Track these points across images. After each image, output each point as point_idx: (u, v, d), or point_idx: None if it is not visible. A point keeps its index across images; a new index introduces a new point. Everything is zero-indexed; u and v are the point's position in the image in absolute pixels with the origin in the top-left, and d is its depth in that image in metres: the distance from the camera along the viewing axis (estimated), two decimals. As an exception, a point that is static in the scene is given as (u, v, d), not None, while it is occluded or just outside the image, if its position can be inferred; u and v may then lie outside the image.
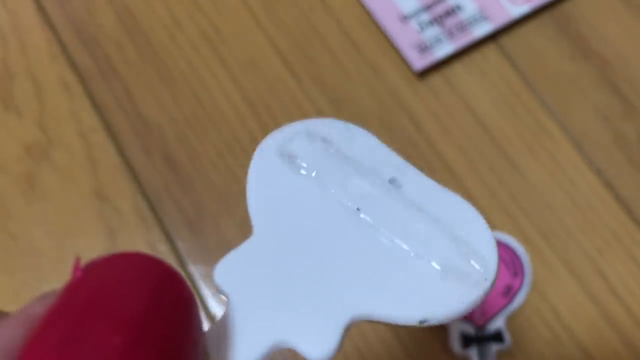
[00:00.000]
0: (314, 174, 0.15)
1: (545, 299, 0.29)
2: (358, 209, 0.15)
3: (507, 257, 0.29)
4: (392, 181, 0.15)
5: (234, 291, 0.14)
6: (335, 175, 0.15)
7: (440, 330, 0.28)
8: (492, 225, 0.30)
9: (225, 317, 0.14)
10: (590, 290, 0.29)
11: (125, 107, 0.32)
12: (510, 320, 0.28)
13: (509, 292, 0.28)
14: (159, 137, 0.31)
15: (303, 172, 0.15)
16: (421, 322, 0.14)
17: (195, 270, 0.29)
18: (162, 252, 0.29)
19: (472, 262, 0.14)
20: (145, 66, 0.33)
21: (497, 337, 0.28)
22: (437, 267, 0.14)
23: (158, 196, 0.30)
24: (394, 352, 0.28)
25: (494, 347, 0.27)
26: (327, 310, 0.14)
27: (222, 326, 0.14)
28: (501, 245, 0.29)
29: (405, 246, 0.15)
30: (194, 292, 0.12)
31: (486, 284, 0.14)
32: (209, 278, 0.29)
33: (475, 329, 0.28)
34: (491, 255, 0.15)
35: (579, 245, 0.29)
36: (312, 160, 0.15)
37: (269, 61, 0.33)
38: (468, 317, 0.28)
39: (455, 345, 0.28)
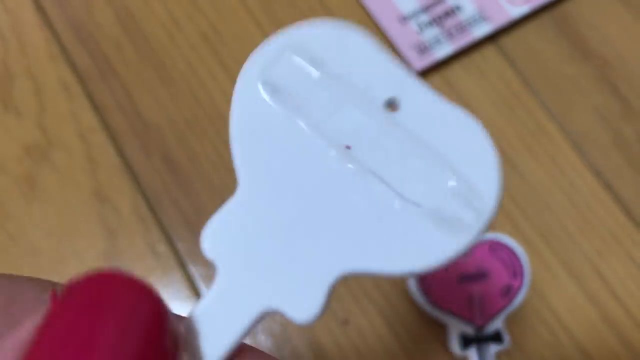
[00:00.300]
0: (300, 108, 0.14)
1: (544, 299, 0.29)
2: (348, 147, 0.14)
3: (507, 258, 0.29)
4: (389, 102, 0.14)
5: (222, 261, 0.13)
6: (324, 106, 0.14)
7: (439, 330, 0.28)
8: (491, 227, 0.30)
9: (211, 292, 0.13)
10: (590, 291, 0.29)
11: (125, 108, 0.32)
12: (509, 320, 0.28)
13: (508, 293, 0.28)
14: (158, 138, 0.31)
15: (288, 106, 0.14)
16: (409, 274, 0.13)
17: (195, 271, 0.29)
18: (162, 253, 0.29)
19: (469, 202, 0.13)
20: (144, 66, 0.33)
21: (496, 337, 0.28)
22: (429, 212, 0.13)
23: (157, 196, 0.30)
24: (392, 352, 0.28)
25: (493, 348, 0.28)
26: (311, 270, 0.13)
27: (208, 303, 0.13)
28: (500, 246, 0.29)
29: (396, 190, 0.13)
30: (163, 306, 0.12)
31: (479, 228, 0.13)
32: (209, 278, 0.29)
33: (474, 329, 0.28)
34: (490, 192, 0.13)
35: (578, 246, 0.29)
36: (298, 90, 0.14)
37: (268, 62, 0.33)
38: (467, 318, 0.28)
39: (454, 345, 0.28)
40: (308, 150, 0.14)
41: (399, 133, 0.14)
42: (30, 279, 0.13)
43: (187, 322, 0.13)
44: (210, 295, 0.13)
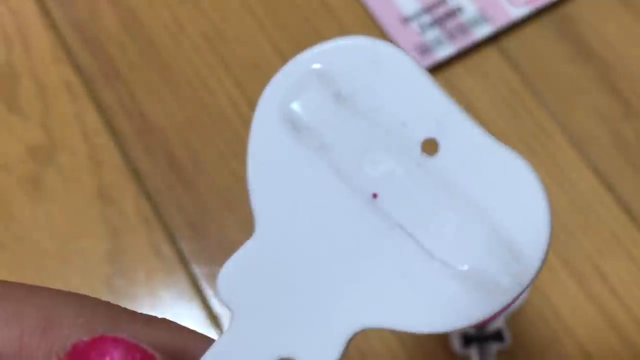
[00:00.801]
0: (324, 149, 0.12)
1: (545, 298, 0.29)
2: (375, 195, 0.12)
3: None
4: (426, 143, 0.12)
5: (238, 306, 0.13)
6: (351, 148, 0.12)
7: (441, 331, 0.28)
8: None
9: (225, 336, 0.13)
10: (590, 291, 0.29)
11: (129, 109, 0.32)
12: (510, 319, 0.28)
13: (510, 293, 0.28)
14: (162, 139, 0.32)
15: (311, 145, 0.12)
16: (432, 333, 0.12)
17: (198, 271, 0.29)
18: (166, 253, 0.30)
19: (507, 266, 0.12)
20: (148, 68, 0.33)
21: (498, 336, 0.28)
22: (460, 274, 0.12)
23: (161, 197, 0.31)
24: (393, 350, 0.28)
25: (494, 347, 0.28)
26: (329, 322, 0.13)
27: (222, 347, 0.13)
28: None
29: (425, 247, 0.12)
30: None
31: (514, 294, 0.12)
32: (212, 278, 0.29)
33: (476, 328, 0.28)
34: (534, 255, 0.12)
35: (580, 246, 0.30)
36: (322, 128, 0.12)
37: (271, 63, 0.33)
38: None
39: (456, 344, 0.28)
40: (331, 197, 0.12)
41: (435, 182, 0.12)
42: (71, 297, 0.13)
43: None
44: (224, 339, 0.13)
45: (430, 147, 0.12)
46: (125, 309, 0.13)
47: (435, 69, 0.32)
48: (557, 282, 0.29)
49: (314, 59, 0.12)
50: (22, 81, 0.33)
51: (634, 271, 0.29)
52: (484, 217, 0.12)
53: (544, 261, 0.12)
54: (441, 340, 0.28)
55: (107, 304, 0.13)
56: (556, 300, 0.29)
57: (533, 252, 0.12)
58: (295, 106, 0.12)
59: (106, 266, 0.30)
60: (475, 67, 0.33)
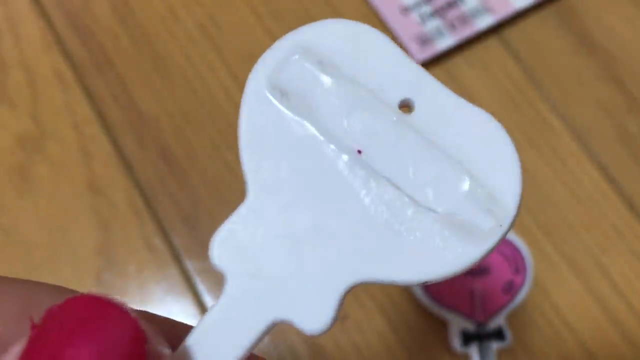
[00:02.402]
0: (310, 112, 0.13)
1: (546, 295, 0.28)
2: (359, 152, 0.13)
3: (509, 254, 0.28)
4: (403, 104, 0.13)
5: (231, 271, 0.13)
6: (335, 110, 0.13)
7: (439, 327, 0.28)
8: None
9: (220, 301, 0.13)
10: (592, 287, 0.28)
11: (120, 99, 0.31)
12: (511, 317, 0.28)
13: (510, 289, 0.28)
14: (154, 130, 0.31)
15: (298, 110, 0.13)
16: (422, 283, 0.13)
17: (190, 266, 0.29)
18: (157, 247, 0.29)
19: (486, 209, 0.13)
20: (140, 57, 0.32)
21: (498, 334, 0.27)
22: (444, 219, 0.13)
23: (153, 189, 0.30)
24: (392, 349, 0.27)
25: (495, 345, 0.27)
26: (322, 279, 0.13)
27: (218, 313, 0.13)
28: (503, 241, 0.28)
29: (409, 196, 0.13)
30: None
31: (499, 235, 0.13)
32: (205, 273, 0.28)
33: (476, 326, 0.27)
34: (510, 197, 0.13)
35: (582, 241, 0.29)
36: (308, 94, 0.13)
37: (267, 53, 0.32)
38: (468, 314, 0.27)
39: (456, 342, 0.27)
40: (319, 156, 0.13)
41: (413, 136, 0.13)
42: (49, 287, 0.13)
43: (197, 331, 0.13)
44: (219, 305, 0.13)
45: (406, 109, 0.13)
46: None
47: (436, 60, 0.32)
48: (558, 278, 0.28)
49: (298, 36, 0.14)
50: (12, 70, 0.32)
51: (637, 267, 0.28)
52: (460, 166, 0.13)
53: (519, 206, 0.13)
54: (441, 338, 0.28)
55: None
56: (557, 296, 0.28)
57: (509, 196, 0.13)
58: (282, 75, 0.13)
59: (96, 259, 0.29)
60: (476, 58, 0.32)
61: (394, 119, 0.13)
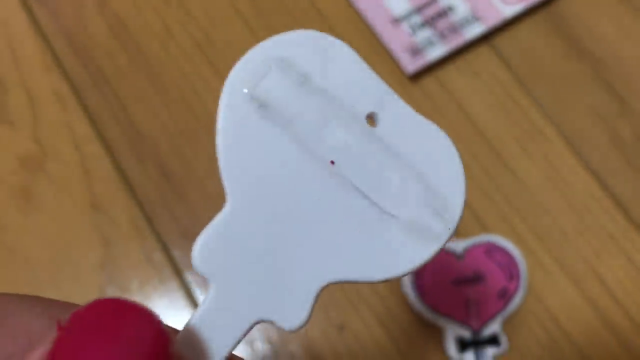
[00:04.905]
0: (286, 124, 0.14)
1: (541, 301, 0.28)
2: (332, 162, 0.14)
3: (503, 260, 0.29)
4: (369, 117, 0.14)
5: (214, 275, 0.14)
6: (310, 122, 0.14)
7: (435, 334, 0.28)
8: (487, 228, 0.30)
9: (204, 304, 0.14)
10: (587, 293, 0.28)
11: (119, 117, 0.32)
12: (506, 323, 0.28)
13: (505, 296, 0.28)
14: (152, 146, 0.31)
15: (275, 121, 0.14)
16: (384, 281, 0.14)
17: (191, 279, 0.29)
18: (158, 262, 0.30)
19: (438, 214, 0.14)
20: (137, 75, 0.33)
21: (493, 340, 0.28)
22: (403, 223, 0.14)
23: (153, 206, 0.30)
24: (388, 356, 0.28)
25: (490, 351, 0.27)
26: (297, 280, 0.14)
27: (203, 315, 0.14)
28: (496, 249, 0.29)
29: (375, 203, 0.14)
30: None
31: (446, 237, 0.14)
32: (205, 285, 0.29)
33: (471, 332, 0.28)
34: (456, 202, 0.14)
35: (575, 247, 0.29)
36: (285, 106, 0.14)
37: (261, 67, 0.32)
38: (464, 321, 0.28)
39: (451, 349, 0.27)
40: (294, 165, 0.14)
41: (379, 148, 0.14)
42: (23, 295, 0.14)
43: (182, 334, 0.14)
44: (203, 308, 0.14)
45: (372, 122, 0.15)
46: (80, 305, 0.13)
47: (427, 70, 0.32)
48: (553, 284, 0.29)
49: (272, 46, 0.14)
50: (12, 91, 0.33)
51: (632, 272, 0.29)
52: (416, 175, 0.14)
53: (463, 210, 0.15)
54: (437, 344, 0.28)
55: (63, 301, 0.14)
56: (552, 302, 0.28)
57: (455, 202, 0.15)
58: (259, 86, 0.14)
59: (99, 275, 0.29)
60: (467, 66, 0.32)
61: (363, 131, 0.14)
